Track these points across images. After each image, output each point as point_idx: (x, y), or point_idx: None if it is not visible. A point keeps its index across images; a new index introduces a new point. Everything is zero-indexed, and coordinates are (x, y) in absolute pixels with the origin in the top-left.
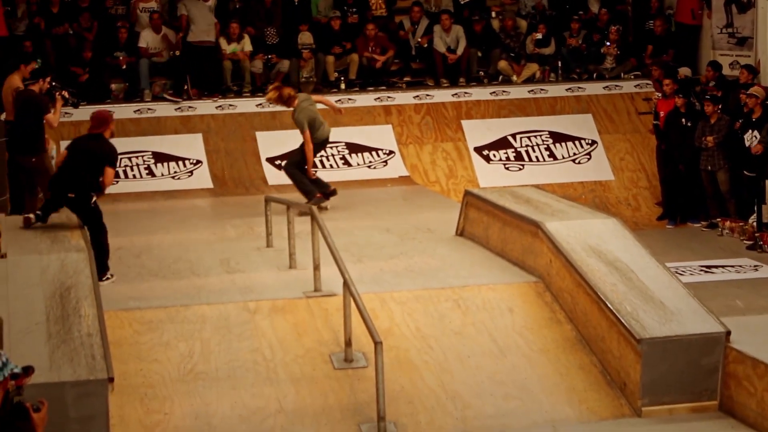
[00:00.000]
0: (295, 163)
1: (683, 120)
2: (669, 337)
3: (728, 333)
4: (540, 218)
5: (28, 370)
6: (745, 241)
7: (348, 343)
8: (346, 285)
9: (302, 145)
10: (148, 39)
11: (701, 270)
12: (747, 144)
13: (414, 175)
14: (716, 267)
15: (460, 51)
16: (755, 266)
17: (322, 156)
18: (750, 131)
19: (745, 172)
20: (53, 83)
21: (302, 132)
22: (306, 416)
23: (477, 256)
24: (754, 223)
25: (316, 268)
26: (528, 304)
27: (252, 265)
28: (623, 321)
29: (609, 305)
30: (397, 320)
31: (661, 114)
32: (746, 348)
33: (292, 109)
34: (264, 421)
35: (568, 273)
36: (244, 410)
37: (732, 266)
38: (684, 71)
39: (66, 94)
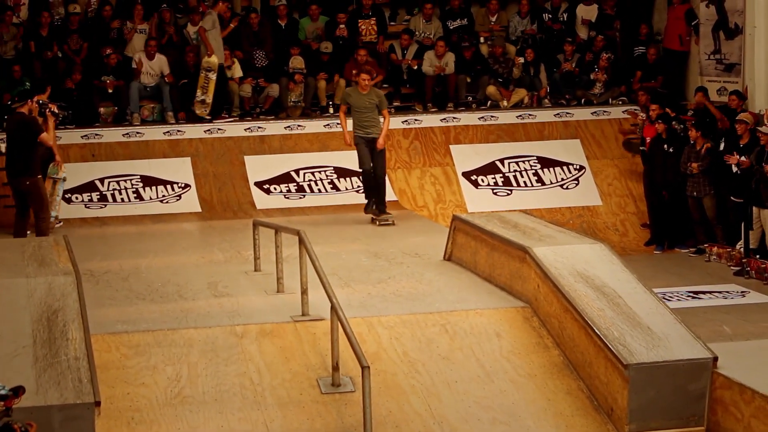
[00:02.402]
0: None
1: (665, 146)
2: (656, 363)
3: (715, 359)
4: (528, 243)
5: (18, 391)
6: (732, 267)
7: (335, 367)
8: (333, 309)
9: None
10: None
11: (689, 296)
12: (734, 170)
13: (402, 200)
14: (704, 293)
15: (448, 71)
16: (742, 292)
17: (310, 180)
18: (735, 154)
19: (731, 197)
20: (41, 101)
21: (385, 109)
22: None
23: (465, 281)
24: (741, 249)
25: (304, 292)
26: (515, 329)
27: (240, 288)
28: (610, 346)
29: (596, 330)
30: (385, 345)
31: (647, 140)
32: (733, 374)
33: (364, 91)
34: None
35: (556, 298)
36: None
37: (719, 292)
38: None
39: (55, 108)
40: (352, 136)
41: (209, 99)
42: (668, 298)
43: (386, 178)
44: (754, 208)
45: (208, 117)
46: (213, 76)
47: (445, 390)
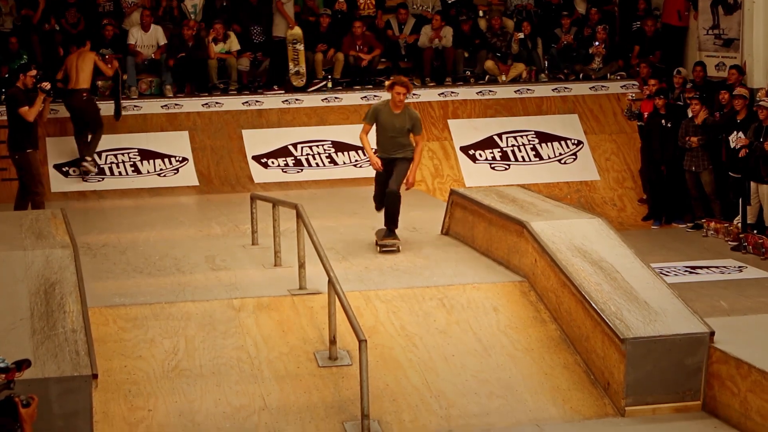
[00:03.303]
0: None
1: (663, 121)
2: (653, 337)
3: (712, 333)
4: (525, 218)
5: (21, 365)
6: (729, 242)
7: (332, 341)
8: (330, 283)
9: (408, 160)
10: (136, 36)
11: (686, 270)
12: (732, 145)
13: None
14: (701, 268)
15: (445, 43)
16: (740, 267)
17: (308, 155)
18: (735, 132)
19: (729, 173)
20: (37, 76)
21: (421, 134)
22: (290, 414)
23: (462, 255)
24: (739, 224)
25: (302, 266)
26: (513, 304)
27: (237, 262)
28: (607, 321)
29: (593, 305)
30: (382, 318)
31: (645, 115)
32: (730, 348)
33: (397, 109)
34: (248, 418)
35: (553, 272)
36: (228, 407)
37: (717, 267)
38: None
39: (45, 86)
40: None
41: (302, 69)
42: (665, 272)
43: (400, 196)
44: (752, 183)
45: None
46: (300, 47)
47: (443, 364)
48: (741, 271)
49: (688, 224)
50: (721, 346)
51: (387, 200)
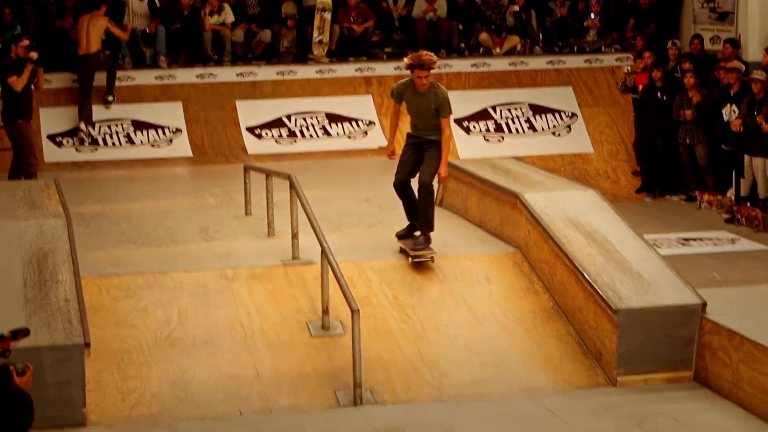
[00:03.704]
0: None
1: (659, 94)
2: (645, 308)
3: (704, 304)
4: (519, 189)
5: (17, 334)
6: (723, 215)
7: (325, 310)
8: (323, 253)
9: (437, 145)
10: (133, 6)
11: (679, 242)
12: (725, 119)
13: None
14: (694, 239)
15: (440, 14)
16: (732, 239)
17: (302, 126)
18: (728, 105)
19: (723, 146)
20: (29, 47)
21: (448, 117)
22: (283, 383)
23: (455, 227)
24: (732, 197)
25: (295, 236)
26: (505, 274)
27: (230, 232)
28: (600, 292)
29: (586, 276)
30: (375, 289)
31: (639, 87)
32: (722, 319)
33: (421, 90)
34: (241, 387)
35: (546, 244)
36: (220, 377)
37: (710, 239)
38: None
39: (32, 56)
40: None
41: (326, 39)
42: (658, 244)
43: (434, 190)
44: (745, 156)
45: (325, 60)
46: (328, 16)
47: (435, 334)
48: (734, 243)
49: (682, 197)
50: (714, 317)
51: (420, 196)
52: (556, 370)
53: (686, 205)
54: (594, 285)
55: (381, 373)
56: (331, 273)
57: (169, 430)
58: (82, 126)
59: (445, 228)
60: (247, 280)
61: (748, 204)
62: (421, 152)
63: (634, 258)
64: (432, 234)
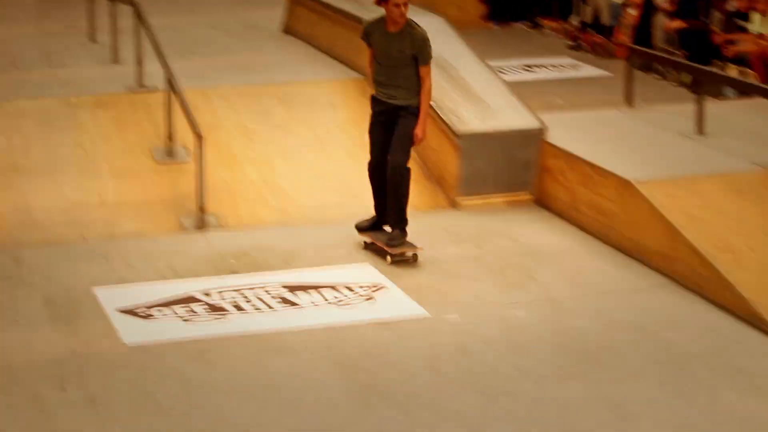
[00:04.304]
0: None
1: None
2: (487, 132)
3: (544, 129)
4: (365, 15)
5: None
6: (566, 41)
7: (170, 137)
8: (169, 80)
9: (411, 113)
10: None
11: (523, 69)
12: None
13: None
14: (537, 66)
15: None
16: (575, 65)
17: None
18: None
19: None
20: None
21: (428, 64)
22: (127, 208)
23: (302, 53)
24: (577, 23)
25: (140, 63)
26: (351, 100)
27: (75, 59)
28: (443, 116)
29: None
30: (221, 115)
31: None
32: (561, 143)
33: (394, 28)
34: (86, 213)
35: None
36: (65, 203)
37: (553, 65)
38: None
39: None
40: None
41: None
42: (503, 71)
43: (409, 174)
44: None
45: None
46: None
47: (280, 159)
48: (576, 69)
49: (528, 24)
50: (554, 140)
51: (391, 182)
52: None
53: (532, 33)
54: (437, 110)
55: (226, 198)
56: (175, 99)
57: (12, 255)
58: None
59: (292, 55)
60: (91, 107)
61: (592, 30)
62: (392, 123)
63: (478, 84)
64: (278, 59)
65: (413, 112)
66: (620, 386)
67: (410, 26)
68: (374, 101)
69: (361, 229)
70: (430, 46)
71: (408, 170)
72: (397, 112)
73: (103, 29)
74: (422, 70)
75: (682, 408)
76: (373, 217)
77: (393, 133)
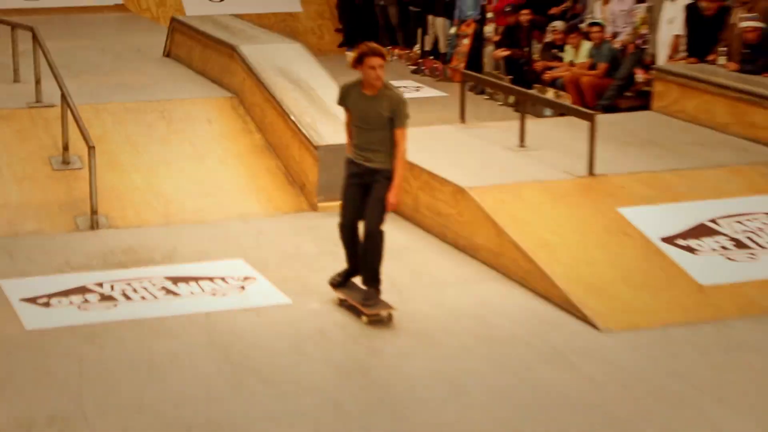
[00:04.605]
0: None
1: None
2: (341, 145)
3: None
4: (236, 42)
5: None
6: (410, 66)
7: (65, 147)
8: (63, 97)
9: (385, 178)
10: None
11: None
12: None
13: (127, 3)
14: None
15: None
16: (417, 87)
17: None
18: None
19: (410, 7)
20: None
21: (402, 127)
22: (28, 210)
23: (181, 75)
24: (418, 51)
25: (38, 81)
26: (224, 116)
27: None
28: (303, 131)
29: (292, 117)
30: (109, 128)
31: None
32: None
33: (371, 91)
34: None
35: (259, 90)
36: None
37: (399, 87)
38: None
39: None
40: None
41: None
42: None
43: (383, 238)
44: (429, 16)
45: None
46: None
47: (163, 168)
48: (418, 90)
49: None
50: None
51: (366, 246)
52: (267, 198)
53: None
54: (298, 125)
55: (115, 201)
56: (70, 114)
57: None
58: None
59: (172, 75)
60: None
61: (432, 57)
62: (367, 186)
63: (332, 102)
64: (160, 80)
65: (387, 176)
66: (455, 363)
67: (387, 88)
68: (350, 163)
69: (335, 285)
70: (407, 108)
71: (382, 233)
72: (372, 176)
73: (5, 52)
74: (397, 132)
75: (509, 381)
76: (344, 271)
77: (367, 195)
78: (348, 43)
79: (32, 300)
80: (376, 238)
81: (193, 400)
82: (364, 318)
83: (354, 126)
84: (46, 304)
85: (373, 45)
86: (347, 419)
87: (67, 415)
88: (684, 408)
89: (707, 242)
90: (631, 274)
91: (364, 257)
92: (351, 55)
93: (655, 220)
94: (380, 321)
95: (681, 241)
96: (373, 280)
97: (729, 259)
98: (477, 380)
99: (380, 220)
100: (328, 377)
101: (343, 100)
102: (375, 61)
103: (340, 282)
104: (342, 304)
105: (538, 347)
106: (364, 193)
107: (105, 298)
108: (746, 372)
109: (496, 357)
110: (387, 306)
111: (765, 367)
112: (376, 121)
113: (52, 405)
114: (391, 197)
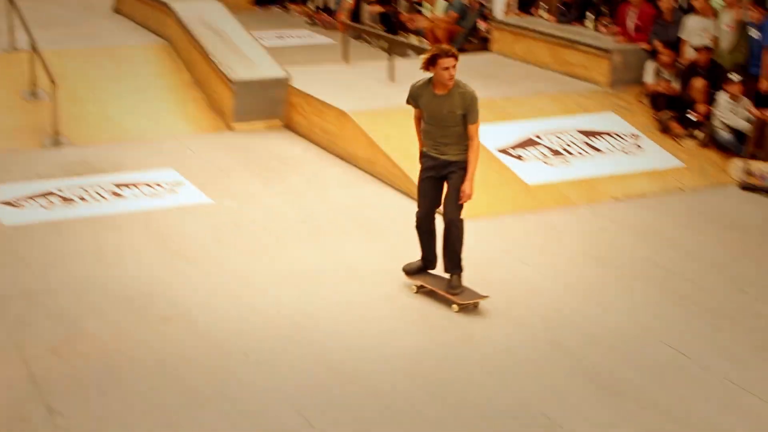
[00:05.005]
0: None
1: None
2: (252, 80)
3: (290, 77)
4: (169, 0)
5: None
6: (306, 19)
7: (34, 83)
8: (33, 44)
9: (461, 169)
10: None
11: (276, 37)
12: None
13: None
14: (286, 36)
15: None
16: (311, 36)
17: None
18: None
19: None
20: None
21: (476, 123)
22: (4, 132)
23: (127, 26)
24: (313, 7)
25: (11, 32)
26: (160, 59)
27: None
28: (221, 69)
29: (212, 58)
30: (70, 69)
31: None
32: (301, 86)
33: (443, 90)
34: None
35: (187, 38)
36: None
37: (298, 36)
38: None
39: None
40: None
41: None
42: (262, 39)
43: (462, 226)
44: None
45: None
46: None
47: (112, 99)
48: (312, 38)
49: (280, 7)
50: (296, 85)
51: (447, 235)
52: (194, 122)
53: (283, 13)
54: (218, 65)
55: (74, 125)
56: (38, 57)
57: None
58: None
59: (120, 27)
60: None
61: (323, 11)
62: (442, 178)
63: (245, 47)
64: (109, 29)
65: (462, 167)
66: (341, 245)
67: (458, 86)
68: (425, 157)
69: (410, 273)
70: (476, 104)
71: (461, 221)
72: (447, 167)
73: None
74: (471, 128)
75: (384, 263)
76: (419, 262)
77: (442, 187)
78: (258, 2)
79: (9, 203)
80: (456, 226)
81: (136, 279)
82: (455, 306)
83: (426, 123)
84: (20, 205)
85: (446, 47)
86: (253, 288)
87: (36, 290)
88: (501, 267)
89: (532, 152)
90: (475, 177)
91: (446, 245)
92: (425, 56)
93: (493, 135)
94: (466, 305)
95: (512, 151)
96: (456, 267)
97: (548, 164)
98: (358, 260)
99: (459, 209)
100: (242, 260)
101: (414, 101)
102: (448, 62)
103: (416, 270)
104: (420, 290)
105: (406, 234)
106: (439, 185)
107: (66, 200)
108: (556, 245)
109: (371, 240)
110: (477, 295)
111: (572, 242)
112: (449, 118)
113: (25, 282)
114: (466, 188)
